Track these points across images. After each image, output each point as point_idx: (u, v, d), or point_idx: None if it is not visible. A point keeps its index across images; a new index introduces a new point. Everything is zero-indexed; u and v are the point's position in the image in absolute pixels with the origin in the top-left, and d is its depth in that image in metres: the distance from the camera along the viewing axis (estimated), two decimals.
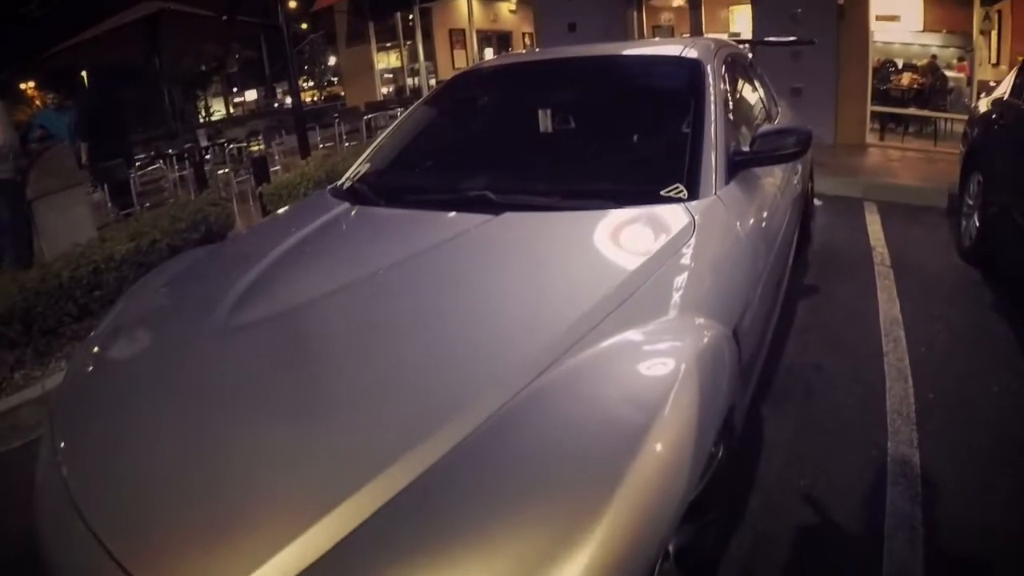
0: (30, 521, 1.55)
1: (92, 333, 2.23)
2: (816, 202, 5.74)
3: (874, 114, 8.76)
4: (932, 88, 8.86)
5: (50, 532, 1.45)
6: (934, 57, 9.09)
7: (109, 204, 7.44)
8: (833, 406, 2.90)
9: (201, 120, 26.62)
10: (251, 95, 35.45)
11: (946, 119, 8.57)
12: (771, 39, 5.77)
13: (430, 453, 1.26)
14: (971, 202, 4.53)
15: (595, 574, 1.08)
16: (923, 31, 9.11)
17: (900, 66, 9.42)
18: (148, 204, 7.45)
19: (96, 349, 2.05)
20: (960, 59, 8.93)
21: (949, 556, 2.09)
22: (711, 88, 2.52)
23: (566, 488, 1.19)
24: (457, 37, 17.69)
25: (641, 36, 10.67)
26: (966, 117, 5.61)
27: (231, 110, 33.04)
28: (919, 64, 9.20)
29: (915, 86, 8.98)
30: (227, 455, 1.39)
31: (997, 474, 2.42)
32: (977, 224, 4.31)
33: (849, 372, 3.17)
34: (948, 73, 9.00)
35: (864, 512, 2.28)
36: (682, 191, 2.14)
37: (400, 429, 1.34)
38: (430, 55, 18.02)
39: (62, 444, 1.64)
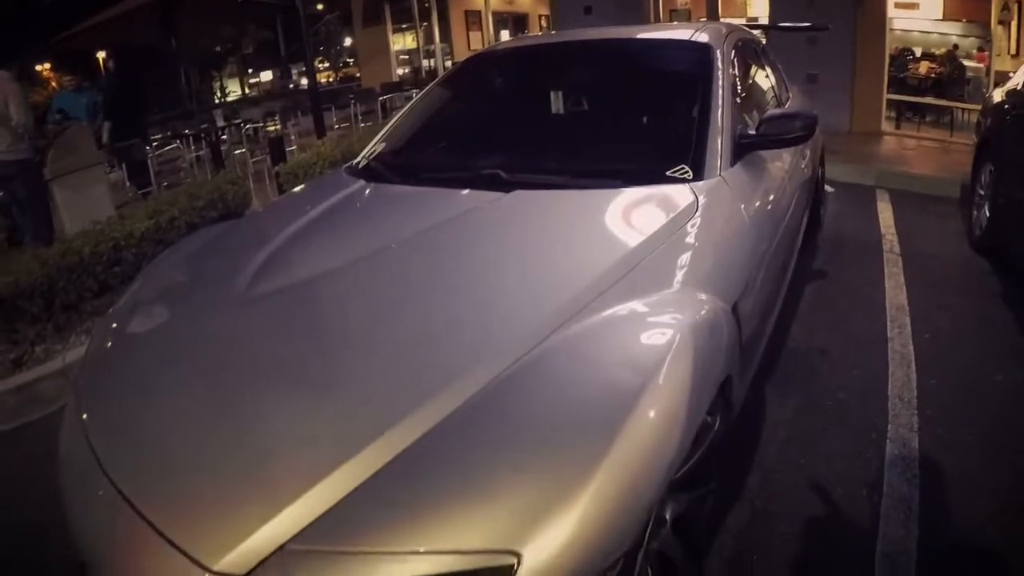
0: (53, 486, 1.62)
1: (114, 305, 2.29)
2: (828, 189, 5.73)
3: (890, 102, 8.70)
4: (950, 77, 8.80)
5: (77, 492, 1.52)
6: (955, 47, 9.02)
7: (127, 183, 7.52)
8: (835, 389, 2.94)
9: (217, 100, 26.71)
10: (266, 76, 35.47)
11: (963, 109, 8.50)
12: (785, 24, 5.77)
13: (438, 411, 1.34)
14: (982, 192, 4.52)
15: (589, 524, 1.15)
16: (942, 19, 9.03)
17: (918, 54, 9.35)
18: (166, 183, 7.52)
19: (119, 320, 2.11)
20: (980, 49, 8.85)
21: (944, 538, 2.13)
22: (719, 72, 2.55)
23: (564, 442, 1.27)
24: (473, 19, 17.66)
25: (657, 20, 10.63)
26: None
27: (247, 91, 33.10)
28: (937, 53, 9.12)
29: (932, 75, 8.92)
30: (246, 415, 1.46)
31: (996, 460, 2.45)
32: (988, 214, 4.30)
33: (853, 357, 3.20)
34: (967, 63, 8.93)
35: (861, 492, 2.32)
36: (687, 172, 2.19)
37: (410, 388, 1.42)
38: (446, 37, 18.00)
39: (87, 409, 1.71)
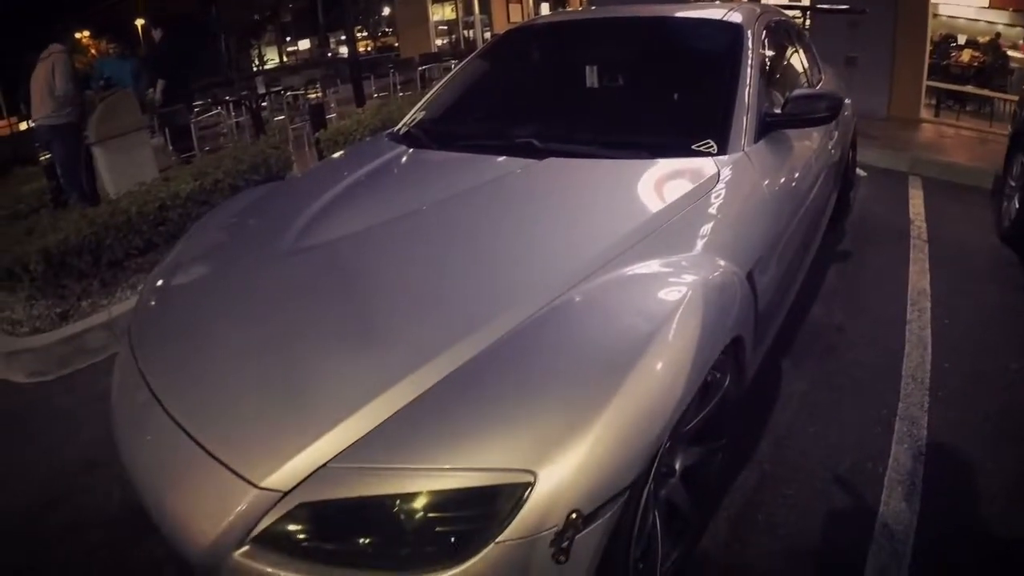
0: (102, 425, 1.77)
1: (165, 258, 2.43)
2: (860, 173, 5.72)
3: (930, 89, 8.56)
4: (993, 67, 8.64)
5: (132, 425, 1.66)
6: (998, 35, 8.84)
7: (170, 148, 7.71)
8: (851, 365, 3.00)
9: (255, 68, 26.95)
10: (304, 44, 35.65)
11: (1004, 100, 8.35)
12: (822, 6, 5.76)
13: (468, 349, 1.47)
14: (1013, 183, 4.50)
15: (599, 452, 1.28)
16: (988, 7, 8.85)
17: (962, 42, 9.18)
18: (207, 148, 7.68)
19: (169, 271, 2.26)
20: None
21: (945, 513, 2.19)
22: (748, 51, 2.61)
23: (580, 379, 1.40)
24: None
25: None
26: None
27: (284, 59, 33.33)
28: (981, 41, 8.95)
29: (975, 64, 8.76)
30: (292, 351, 1.60)
31: (1003, 443, 2.49)
32: (1017, 205, 4.28)
33: (870, 336, 3.25)
34: (1012, 53, 8.75)
35: (867, 464, 2.40)
36: (712, 146, 2.27)
37: (444, 328, 1.56)
38: (485, 8, 17.97)
39: (140, 350, 1.85)
